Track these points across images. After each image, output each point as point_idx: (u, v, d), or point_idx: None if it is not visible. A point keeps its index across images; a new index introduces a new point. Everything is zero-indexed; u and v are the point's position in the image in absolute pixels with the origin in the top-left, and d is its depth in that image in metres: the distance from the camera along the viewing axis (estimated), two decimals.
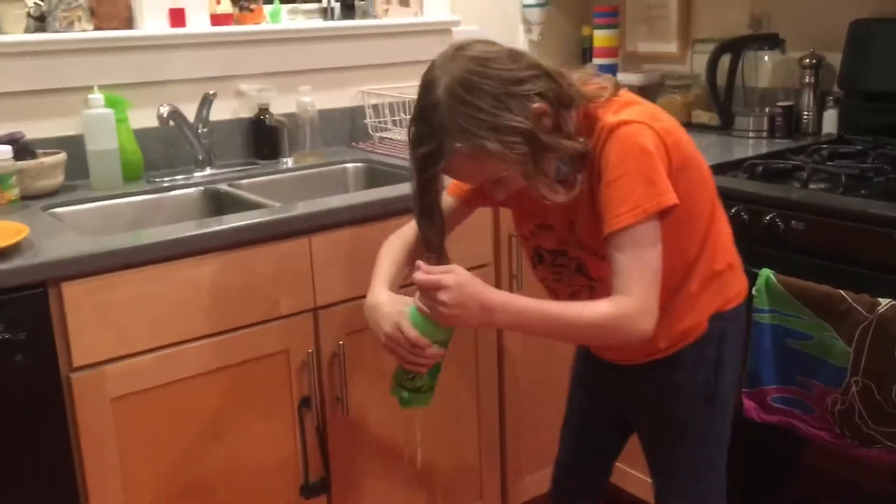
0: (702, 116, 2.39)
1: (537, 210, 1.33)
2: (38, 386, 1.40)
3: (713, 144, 2.17)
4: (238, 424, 1.62)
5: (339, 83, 2.29)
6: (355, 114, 2.32)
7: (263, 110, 2.14)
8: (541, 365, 2.06)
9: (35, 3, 1.88)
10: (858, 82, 2.07)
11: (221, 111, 2.10)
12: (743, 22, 2.34)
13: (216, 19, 2.08)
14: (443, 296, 1.17)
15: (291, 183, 2.05)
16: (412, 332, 1.23)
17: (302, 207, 1.67)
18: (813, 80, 2.18)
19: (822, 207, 1.61)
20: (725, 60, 2.23)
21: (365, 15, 2.33)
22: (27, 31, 1.86)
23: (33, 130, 1.84)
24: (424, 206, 1.29)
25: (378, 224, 1.72)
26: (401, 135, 2.24)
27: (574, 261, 1.33)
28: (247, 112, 2.16)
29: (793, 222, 1.64)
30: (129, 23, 1.99)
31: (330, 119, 2.26)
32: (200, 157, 2.01)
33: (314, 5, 2.34)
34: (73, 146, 1.87)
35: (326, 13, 2.32)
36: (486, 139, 1.14)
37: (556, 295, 1.39)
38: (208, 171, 2.01)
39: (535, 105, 1.16)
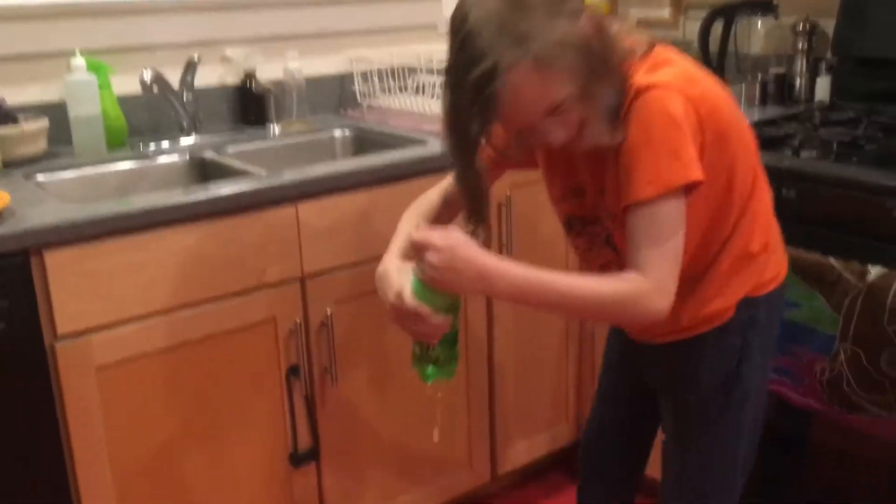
0: None
1: (570, 172, 1.25)
2: (22, 354, 1.38)
3: None
4: (225, 393, 1.61)
5: (327, 49, 2.25)
6: (344, 81, 2.28)
7: (250, 77, 2.11)
8: (532, 334, 2.06)
9: None
10: (852, 48, 2.05)
11: (206, 77, 2.06)
12: None
13: None
14: (432, 257, 1.10)
15: (278, 150, 2.03)
16: (411, 301, 1.16)
17: (289, 175, 1.65)
18: (806, 47, 2.16)
19: (814, 175, 1.60)
20: (718, 26, 2.21)
21: None
22: None
23: (14, 96, 1.81)
24: (466, 163, 1.16)
25: (366, 192, 1.70)
26: (390, 102, 2.21)
27: (604, 231, 1.24)
28: (232, 78, 2.13)
29: (784, 190, 1.63)
30: None
31: (318, 86, 2.22)
32: (185, 124, 1.98)
33: None
34: (56, 112, 1.84)
35: None
36: (543, 48, 1.02)
37: (588, 266, 1.31)
38: (193, 138, 1.98)
39: (586, 20, 1.06)
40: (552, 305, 1.17)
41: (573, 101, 1.07)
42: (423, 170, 1.72)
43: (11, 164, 1.73)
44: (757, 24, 2.25)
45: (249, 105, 2.11)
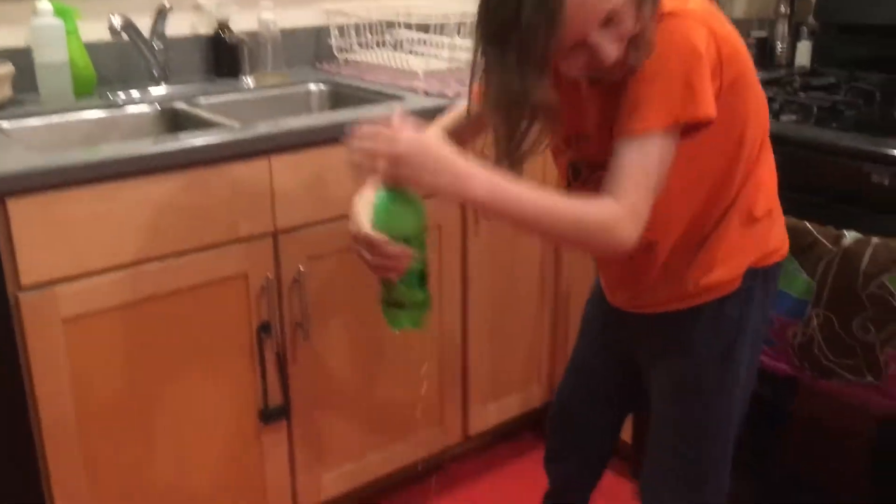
0: None
1: (576, 117, 1.19)
2: None
3: None
4: (195, 348, 1.59)
5: (302, 0, 2.20)
6: (320, 34, 2.23)
7: (223, 26, 2.05)
8: (506, 295, 2.05)
9: None
10: (834, 14, 2.04)
11: (178, 26, 2.00)
12: None
13: None
14: (397, 145, 1.03)
15: (252, 103, 1.98)
16: (365, 226, 1.10)
17: (263, 127, 1.61)
18: (788, 11, 2.15)
19: (793, 139, 1.60)
20: None
21: None
22: None
23: None
24: (531, 83, 1.02)
25: (342, 147, 1.66)
26: (368, 57, 2.17)
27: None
28: (205, 28, 2.07)
29: None
30: None
31: (293, 38, 2.17)
32: (156, 74, 1.93)
33: None
34: (21, 59, 1.78)
35: None
36: None
37: None
38: (164, 88, 1.93)
39: None
40: (526, 218, 1.07)
41: (628, 7, 1.01)
42: None
43: None
44: None
45: (222, 56, 2.06)
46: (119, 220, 1.44)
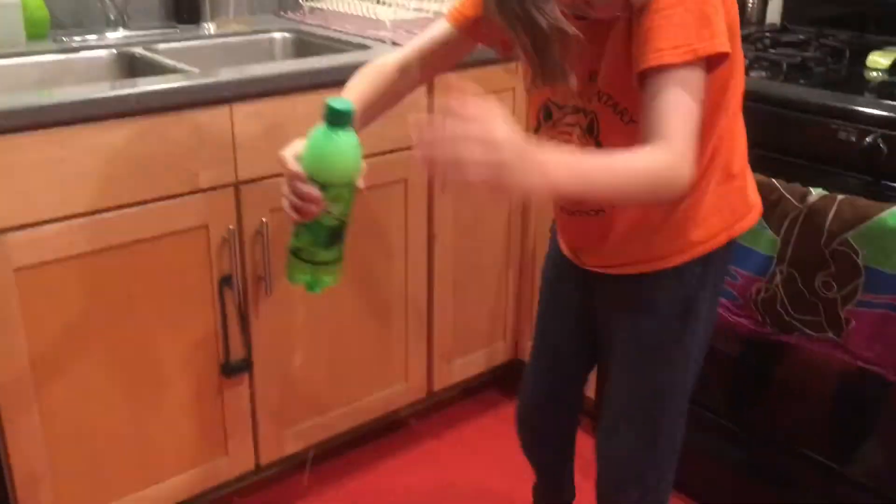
0: None
1: None
2: None
3: None
4: (154, 301, 1.56)
5: None
6: None
7: None
8: (472, 251, 2.03)
9: None
10: None
11: None
12: None
13: None
14: (499, 150, 0.84)
15: (213, 50, 1.92)
16: (289, 151, 1.02)
17: (224, 74, 1.56)
18: None
19: (762, 95, 1.59)
20: None
21: None
22: None
23: None
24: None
25: (307, 96, 1.62)
26: (334, 5, 2.11)
27: (589, 116, 1.13)
28: None
29: None
30: None
31: None
32: (112, 17, 1.86)
33: None
34: None
35: None
36: None
37: None
38: (121, 32, 1.87)
39: None
40: (604, 190, 1.00)
41: None
42: None
43: None
44: None
45: (182, 1, 1.99)
46: (73, 167, 1.39)
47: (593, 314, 1.36)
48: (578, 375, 1.50)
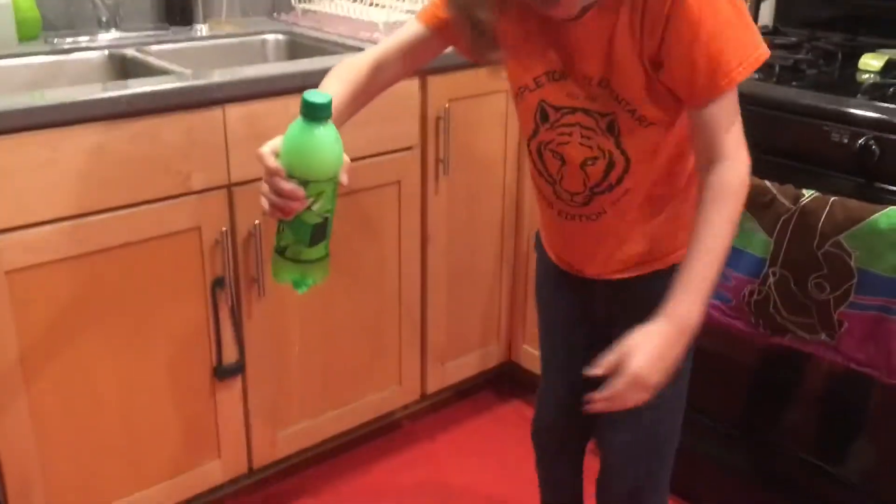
0: None
1: (547, 55, 1.12)
2: None
3: None
4: (146, 304, 1.55)
5: None
6: None
7: None
8: (466, 253, 2.03)
9: None
10: None
11: None
12: None
13: None
14: (646, 382, 1.03)
15: (205, 52, 1.92)
16: (268, 147, 0.99)
17: (217, 76, 1.56)
18: None
19: (754, 97, 1.59)
20: None
21: None
22: None
23: None
24: None
25: (299, 98, 1.61)
26: (326, 7, 2.11)
27: (607, 116, 1.12)
28: None
29: None
30: None
31: None
32: (104, 19, 1.86)
33: None
34: None
35: None
36: None
37: (561, 161, 1.17)
38: (113, 34, 1.86)
39: None
40: (724, 256, 1.08)
41: None
42: None
43: None
44: None
45: (174, 2, 1.99)
46: (65, 169, 1.39)
47: (595, 320, 1.35)
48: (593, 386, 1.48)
